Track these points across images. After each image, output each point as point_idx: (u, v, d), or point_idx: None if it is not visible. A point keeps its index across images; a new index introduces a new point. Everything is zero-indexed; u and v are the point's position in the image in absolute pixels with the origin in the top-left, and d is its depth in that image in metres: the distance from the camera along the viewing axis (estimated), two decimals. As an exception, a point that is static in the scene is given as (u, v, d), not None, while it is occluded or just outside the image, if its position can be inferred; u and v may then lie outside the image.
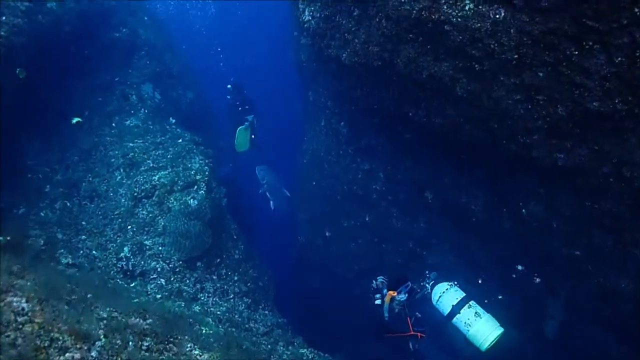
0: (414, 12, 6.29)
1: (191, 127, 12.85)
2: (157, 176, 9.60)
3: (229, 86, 13.28)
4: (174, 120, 12.11)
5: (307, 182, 13.24)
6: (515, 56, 5.89)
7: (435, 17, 6.14)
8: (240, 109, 13.01)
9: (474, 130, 7.42)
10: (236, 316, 8.70)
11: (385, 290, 8.07)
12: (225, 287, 9.11)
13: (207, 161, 10.27)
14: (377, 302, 8.09)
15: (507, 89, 6.28)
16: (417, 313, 7.95)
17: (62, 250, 8.17)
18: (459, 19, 6.02)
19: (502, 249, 9.11)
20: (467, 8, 5.94)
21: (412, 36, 6.64)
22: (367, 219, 11.75)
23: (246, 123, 12.73)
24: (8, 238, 5.68)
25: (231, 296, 9.07)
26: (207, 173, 9.67)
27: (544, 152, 6.71)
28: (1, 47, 8.50)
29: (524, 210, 8.20)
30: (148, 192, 9.45)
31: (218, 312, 8.43)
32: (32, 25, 9.41)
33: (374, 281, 8.33)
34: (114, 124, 11.22)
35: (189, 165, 9.90)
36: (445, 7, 6.06)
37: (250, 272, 9.88)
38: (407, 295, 7.95)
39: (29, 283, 4.63)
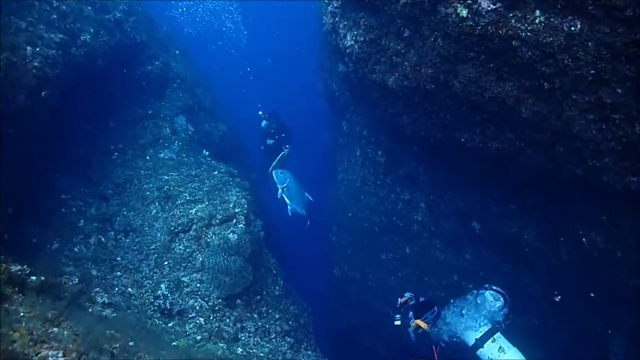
0: (478, 28, 5.65)
1: (224, 159, 12.28)
2: (194, 209, 8.95)
3: (260, 112, 12.66)
4: (207, 153, 11.54)
5: (342, 214, 12.52)
6: (592, 72, 5.21)
7: (503, 32, 5.49)
8: (276, 136, 12.38)
9: (536, 155, 6.72)
10: (280, 358, 7.92)
11: (410, 313, 7.72)
12: (267, 326, 8.35)
13: (244, 193, 9.61)
14: (397, 323, 7.79)
15: (580, 108, 5.59)
16: (441, 342, 7.51)
17: (97, 289, 7.51)
18: (529, 34, 5.37)
19: (558, 281, 8.30)
20: (537, 21, 5.29)
21: (474, 54, 5.99)
22: (407, 251, 10.97)
23: (285, 151, 12.08)
24: (42, 278, 5.00)
25: (273, 336, 8.30)
26: (245, 206, 9.00)
27: (616, 176, 6.01)
28: (34, 78, 7.99)
29: (584, 239, 7.44)
30: (185, 226, 8.79)
31: (261, 354, 7.67)
32: (66, 58, 8.93)
33: (399, 298, 7.96)
34: (148, 157, 10.65)
35: (226, 198, 9.24)
36: (513, 21, 5.42)
37: (292, 309, 9.10)
38: (432, 322, 7.54)
39: (65, 332, 3.94)
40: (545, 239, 8.23)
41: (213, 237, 8.49)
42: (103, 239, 9.00)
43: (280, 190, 10.76)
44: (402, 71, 7.21)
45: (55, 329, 4.00)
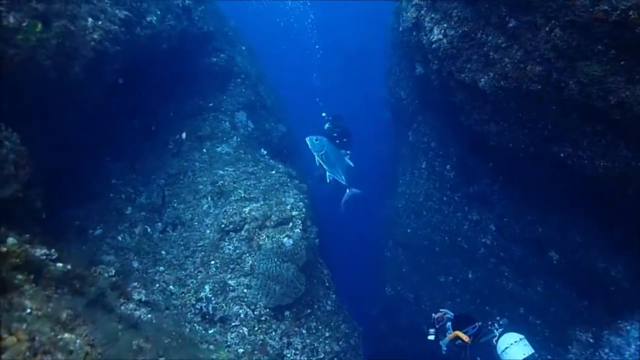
0: (616, 13, 4.36)
1: (282, 160, 11.22)
2: (248, 208, 7.85)
3: (323, 114, 11.48)
4: (265, 152, 10.48)
5: (399, 229, 11.23)
6: None
7: (650, 18, 4.20)
8: (337, 141, 11.16)
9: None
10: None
11: (448, 325, 7.45)
12: (315, 344, 7.11)
13: (302, 196, 8.48)
14: (430, 337, 7.58)
15: None
16: (478, 358, 7.16)
17: (135, 284, 6.47)
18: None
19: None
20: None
21: (602, 48, 4.69)
22: (469, 276, 9.60)
23: (347, 157, 10.82)
24: (68, 267, 3.94)
25: (322, 356, 7.06)
26: (303, 210, 7.85)
27: None
28: (92, 51, 7.08)
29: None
30: (237, 225, 7.69)
31: (308, 377, 6.47)
32: (129, 36, 8.02)
33: (432, 315, 7.69)
34: (204, 150, 9.64)
35: (283, 199, 8.12)
36: (666, 5, 4.13)
37: (342, 328, 7.84)
38: (472, 337, 7.15)
39: (78, 340, 2.83)
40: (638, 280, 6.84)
41: (266, 239, 7.36)
42: (149, 230, 8.01)
43: (317, 158, 9.21)
44: (500, 69, 5.96)
45: (67, 335, 2.91)
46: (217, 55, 10.88)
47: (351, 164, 9.86)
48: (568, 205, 7.65)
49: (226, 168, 9.10)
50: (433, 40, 6.89)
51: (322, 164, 9.21)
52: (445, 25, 6.66)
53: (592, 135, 5.58)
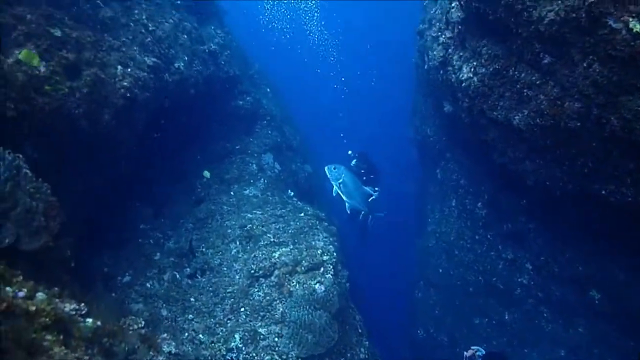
0: (661, 45, 4.15)
1: (309, 201, 11.03)
2: (278, 253, 7.64)
3: (349, 152, 11.25)
4: (292, 193, 10.32)
5: (430, 269, 10.87)
6: None
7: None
8: (364, 178, 10.89)
9: None
10: None
11: None
12: (350, 394, 6.78)
13: (331, 239, 8.24)
14: None
15: None
16: None
17: (165, 335, 6.24)
18: None
19: None
20: None
21: (647, 82, 4.46)
22: (506, 317, 9.18)
23: (373, 195, 10.54)
24: (98, 323, 3.76)
25: (357, 406, 6.72)
26: (334, 254, 7.61)
27: None
28: (122, 98, 7.07)
29: None
30: (266, 271, 7.47)
31: None
32: (158, 83, 8.04)
33: (464, 353, 7.28)
34: (232, 193, 9.52)
35: (313, 243, 7.90)
36: None
37: (378, 378, 7.50)
38: None
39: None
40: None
41: (297, 286, 7.12)
42: (178, 276, 7.83)
43: (335, 187, 8.95)
44: (536, 107, 5.74)
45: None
46: (243, 98, 10.88)
47: (372, 192, 9.58)
48: (610, 242, 7.30)
49: (254, 211, 8.94)
50: (463, 78, 6.72)
51: (341, 193, 8.98)
52: (475, 63, 6.50)
53: (636, 172, 5.29)
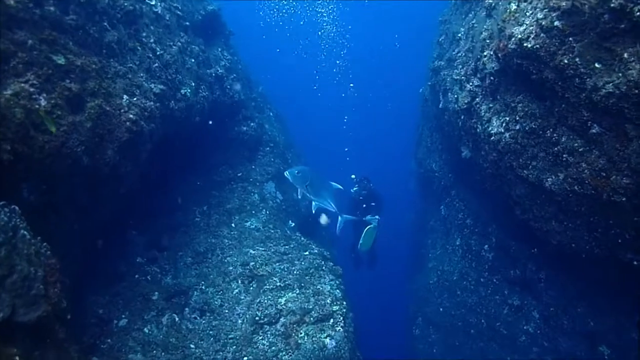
0: None
1: (310, 232, 10.41)
2: (284, 299, 7.01)
3: (352, 176, 10.60)
4: (293, 224, 9.70)
5: (430, 307, 10.34)
6: None
7: None
8: (364, 205, 10.25)
9: None
10: None
11: None
12: None
13: (337, 282, 7.64)
14: None
15: None
16: None
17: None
18: None
19: None
20: None
21: None
22: (508, 364, 8.67)
23: (374, 220, 9.92)
24: None
25: None
26: (344, 303, 7.01)
27: None
28: (127, 132, 6.36)
29: None
30: (272, 318, 6.84)
31: None
32: (164, 111, 7.36)
33: None
34: (233, 224, 8.85)
35: (319, 288, 7.28)
36: None
37: None
38: None
39: None
40: None
41: (306, 338, 6.49)
42: (177, 319, 7.14)
43: (300, 191, 8.37)
44: (575, 174, 5.22)
45: None
46: (247, 124, 10.20)
47: (340, 186, 8.96)
48: (627, 303, 6.84)
49: (257, 247, 8.30)
50: (492, 132, 6.17)
51: (309, 195, 8.37)
52: (507, 118, 5.95)
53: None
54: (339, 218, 9.41)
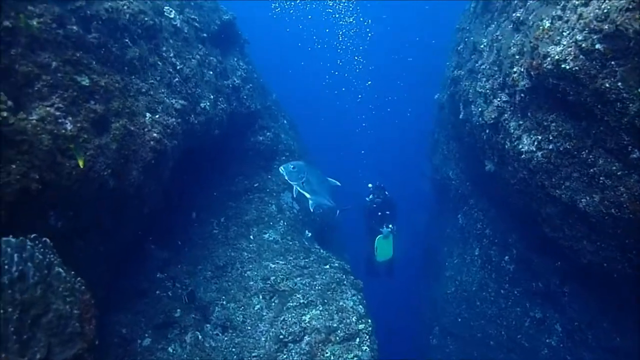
0: None
1: (326, 240, 10.31)
2: (308, 316, 6.90)
3: (369, 185, 10.45)
4: (309, 234, 9.57)
5: (448, 317, 10.23)
6: None
7: None
8: (379, 213, 10.11)
9: None
10: None
11: None
12: None
13: (359, 297, 7.53)
14: None
15: None
16: None
17: None
18: None
19: None
20: None
21: None
22: (529, 376, 8.57)
23: (387, 230, 9.79)
24: None
25: None
26: (369, 321, 6.89)
27: None
28: (152, 151, 6.23)
29: None
30: (296, 336, 6.72)
31: None
32: (185, 126, 7.22)
33: None
34: (251, 237, 8.72)
35: (342, 304, 7.16)
36: None
37: None
38: None
39: None
40: None
41: (332, 358, 6.38)
42: (200, 336, 7.04)
43: (295, 188, 7.97)
44: (613, 197, 5.08)
45: None
46: (263, 134, 10.05)
47: (338, 183, 8.67)
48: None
49: (276, 260, 8.17)
50: (523, 150, 6.02)
51: (305, 193, 8.13)
52: (539, 137, 5.80)
53: None
54: (338, 212, 9.34)
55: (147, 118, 6.37)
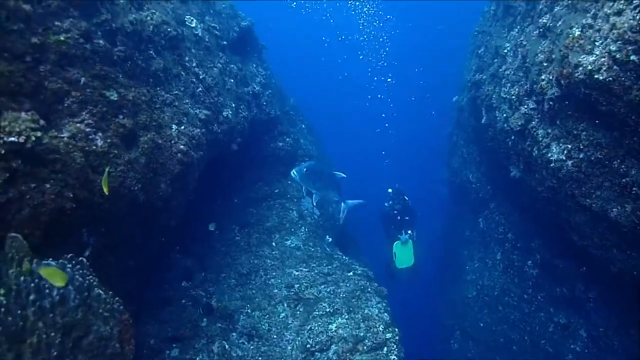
0: None
1: (345, 243, 10.28)
2: (334, 325, 6.88)
3: (389, 190, 10.37)
4: (330, 239, 9.54)
5: (470, 321, 10.18)
6: None
7: None
8: (398, 218, 10.04)
9: None
10: None
11: None
12: None
13: (384, 304, 7.50)
14: None
15: None
16: None
17: None
18: None
19: None
20: None
21: None
22: (553, 381, 8.50)
23: (405, 236, 9.73)
24: None
25: None
26: (396, 330, 6.85)
27: None
28: (179, 164, 6.23)
29: None
30: (323, 345, 6.71)
31: None
32: (209, 136, 7.21)
33: None
34: (274, 243, 8.71)
35: (367, 312, 7.14)
36: None
37: None
38: None
39: None
40: None
41: (360, 368, 6.37)
42: (227, 346, 7.03)
43: (315, 195, 8.44)
44: (648, 208, 5.01)
45: None
46: (282, 140, 10.03)
47: (343, 175, 8.90)
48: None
49: (300, 268, 8.15)
50: (552, 158, 5.94)
51: (314, 191, 8.49)
52: (569, 146, 5.72)
53: None
54: (342, 205, 9.34)
55: (174, 130, 6.37)
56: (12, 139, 4.22)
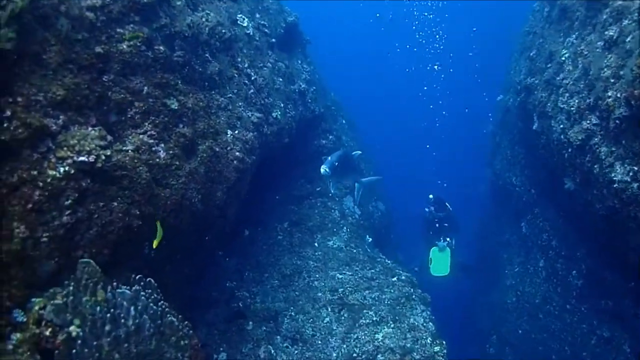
0: None
1: (384, 243, 10.18)
2: (381, 335, 6.82)
3: (430, 196, 10.21)
4: (370, 239, 9.44)
5: (508, 327, 10.04)
6: None
7: None
8: (437, 225, 9.90)
9: None
10: None
11: None
12: None
13: (428, 312, 7.42)
14: None
15: None
16: None
17: None
18: None
19: None
20: None
21: None
22: (594, 394, 8.38)
23: (443, 243, 9.62)
24: None
25: None
26: (444, 343, 6.77)
27: None
28: (235, 171, 6.14)
29: None
30: (369, 355, 6.66)
31: None
32: (260, 139, 7.11)
33: None
34: (316, 244, 8.65)
35: (413, 322, 7.05)
36: None
37: None
38: None
39: None
40: None
41: (408, 381, 6.32)
42: (272, 350, 7.03)
43: (357, 192, 9.25)
44: None
45: None
46: (326, 137, 9.90)
47: (359, 152, 9.56)
48: None
49: (343, 271, 8.08)
50: (616, 179, 5.73)
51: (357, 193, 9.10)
52: (636, 168, 5.50)
53: None
54: (356, 185, 9.37)
55: (229, 135, 6.28)
56: (82, 158, 4.16)
